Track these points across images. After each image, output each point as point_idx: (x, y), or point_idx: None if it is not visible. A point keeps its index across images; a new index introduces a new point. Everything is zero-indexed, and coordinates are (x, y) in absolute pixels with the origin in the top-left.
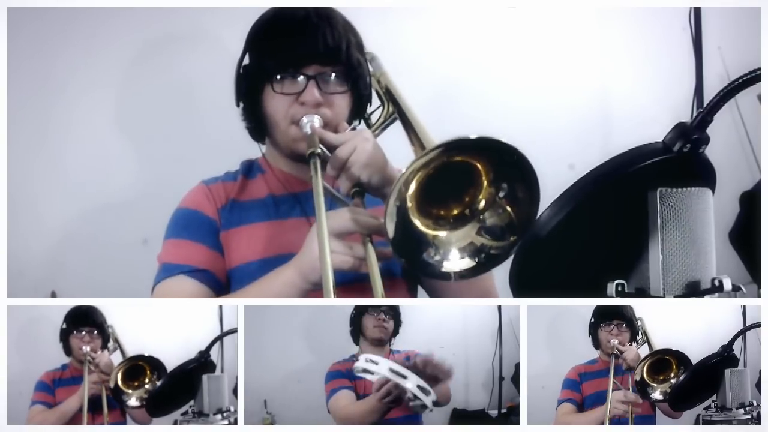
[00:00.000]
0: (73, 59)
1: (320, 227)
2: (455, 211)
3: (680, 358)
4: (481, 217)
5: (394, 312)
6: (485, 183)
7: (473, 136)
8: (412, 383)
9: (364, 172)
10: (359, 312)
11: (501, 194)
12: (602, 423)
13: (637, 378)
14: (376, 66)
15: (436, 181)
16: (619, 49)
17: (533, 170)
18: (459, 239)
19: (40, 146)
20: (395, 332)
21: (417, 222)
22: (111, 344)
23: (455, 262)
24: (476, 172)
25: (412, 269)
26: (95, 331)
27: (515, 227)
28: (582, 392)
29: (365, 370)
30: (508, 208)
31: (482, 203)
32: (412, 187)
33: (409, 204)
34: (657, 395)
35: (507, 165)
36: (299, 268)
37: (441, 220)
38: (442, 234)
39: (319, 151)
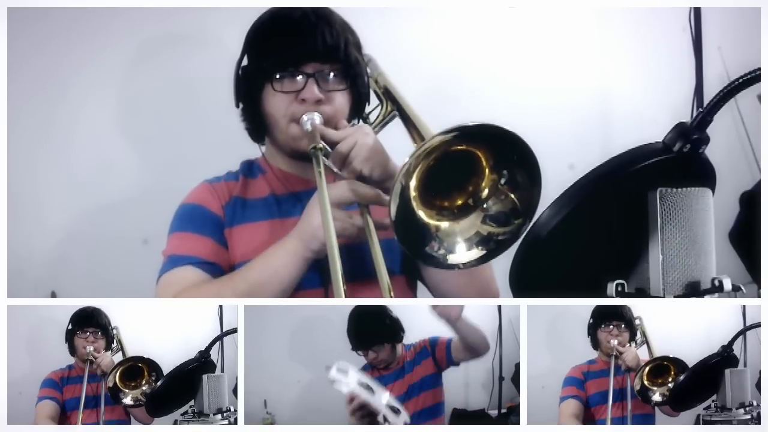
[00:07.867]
0: (74, 59)
1: (326, 222)
2: (459, 202)
3: (678, 363)
4: (485, 205)
5: None
6: (487, 171)
7: (472, 123)
8: (380, 400)
9: (366, 166)
10: None
11: (502, 181)
12: None
13: (637, 388)
14: (373, 67)
15: (438, 172)
16: (619, 49)
17: (531, 152)
18: (464, 230)
19: (41, 146)
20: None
21: (421, 213)
22: (114, 345)
23: (462, 254)
24: (477, 160)
25: (415, 259)
26: (99, 333)
27: (519, 211)
28: (586, 390)
29: (335, 381)
30: (510, 194)
31: (485, 191)
32: (415, 177)
33: (413, 194)
34: (657, 397)
35: (506, 150)
36: (300, 237)
37: (444, 211)
38: (445, 224)
39: (321, 146)
